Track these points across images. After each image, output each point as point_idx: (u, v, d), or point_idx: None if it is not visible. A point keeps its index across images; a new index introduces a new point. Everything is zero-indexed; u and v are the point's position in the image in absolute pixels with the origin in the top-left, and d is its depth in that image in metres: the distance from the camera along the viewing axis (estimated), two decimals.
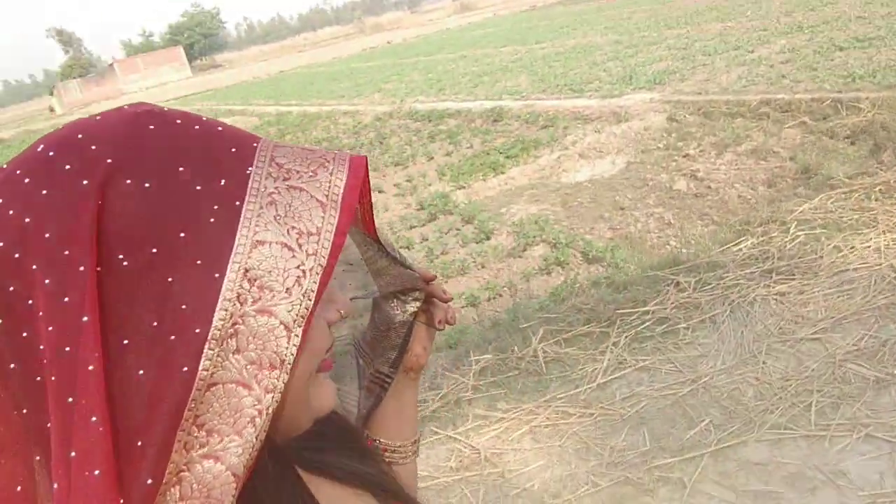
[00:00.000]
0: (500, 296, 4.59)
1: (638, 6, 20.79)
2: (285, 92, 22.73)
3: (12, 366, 0.43)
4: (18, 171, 0.45)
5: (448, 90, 13.68)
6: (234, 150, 0.47)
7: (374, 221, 0.62)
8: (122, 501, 0.41)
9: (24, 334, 0.42)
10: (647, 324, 3.50)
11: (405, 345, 0.77)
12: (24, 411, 0.44)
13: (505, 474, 2.77)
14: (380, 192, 7.73)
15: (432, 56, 22.14)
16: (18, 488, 0.45)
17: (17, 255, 0.42)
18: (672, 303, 3.59)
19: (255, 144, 0.49)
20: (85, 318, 0.41)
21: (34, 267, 0.42)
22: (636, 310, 3.61)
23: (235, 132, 0.49)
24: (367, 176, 0.56)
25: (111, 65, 60.74)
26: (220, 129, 0.48)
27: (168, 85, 49.87)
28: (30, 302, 0.42)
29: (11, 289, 0.42)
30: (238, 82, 35.61)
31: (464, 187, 7.17)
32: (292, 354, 0.45)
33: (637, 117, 7.83)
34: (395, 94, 14.87)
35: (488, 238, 5.60)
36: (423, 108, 12.02)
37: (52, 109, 54.09)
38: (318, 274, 0.46)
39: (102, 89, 56.11)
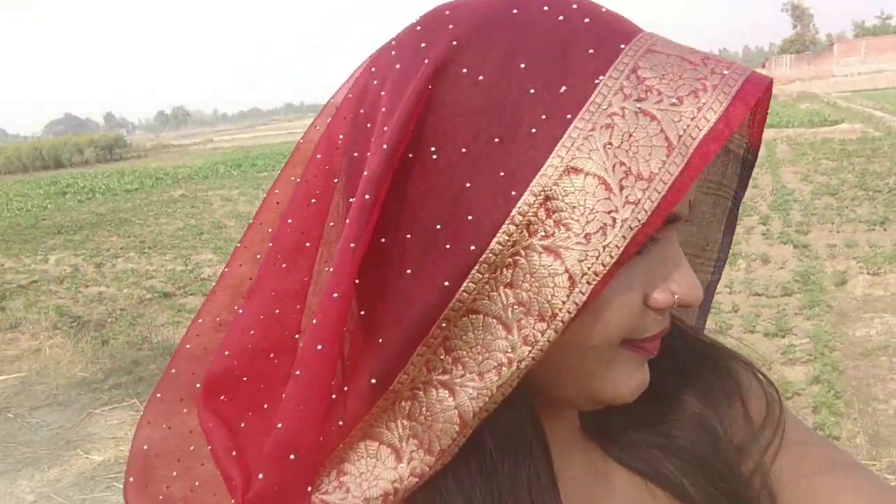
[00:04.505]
0: None
1: None
2: None
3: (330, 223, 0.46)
4: (395, 39, 0.45)
5: None
6: (591, 51, 0.39)
7: None
8: (345, 388, 0.41)
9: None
10: None
11: None
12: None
13: None
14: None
15: None
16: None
17: (368, 125, 0.43)
18: None
19: (622, 46, 0.40)
20: (367, 197, 0.39)
21: (372, 139, 0.42)
22: None
23: (609, 26, 0.41)
24: (760, 124, 0.46)
25: (831, 45, 57.20)
26: (587, 20, 0.41)
27: (883, 74, 41.87)
28: (365, 173, 0.41)
29: (355, 154, 0.43)
30: None
31: (875, 274, 5.13)
32: (569, 312, 0.37)
33: None
34: None
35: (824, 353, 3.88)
36: None
37: None
38: (630, 229, 0.36)
39: (812, 68, 52.33)
